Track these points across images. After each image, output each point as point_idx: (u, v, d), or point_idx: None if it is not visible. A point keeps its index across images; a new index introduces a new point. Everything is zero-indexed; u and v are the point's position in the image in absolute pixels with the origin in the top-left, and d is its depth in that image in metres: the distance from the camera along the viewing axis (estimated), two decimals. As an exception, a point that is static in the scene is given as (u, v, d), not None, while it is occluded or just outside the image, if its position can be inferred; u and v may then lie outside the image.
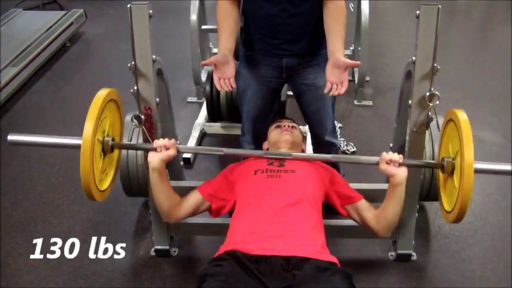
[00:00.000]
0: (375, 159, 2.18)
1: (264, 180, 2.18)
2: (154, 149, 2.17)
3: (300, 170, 2.23)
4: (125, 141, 2.69)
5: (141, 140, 2.62)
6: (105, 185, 2.18)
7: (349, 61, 2.30)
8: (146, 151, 2.26)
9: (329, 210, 2.35)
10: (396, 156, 2.11)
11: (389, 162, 2.10)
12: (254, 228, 1.99)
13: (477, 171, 1.95)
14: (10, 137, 2.14)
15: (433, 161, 2.30)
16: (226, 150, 2.31)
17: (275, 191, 2.12)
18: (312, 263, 1.83)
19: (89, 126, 1.95)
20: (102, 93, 2.07)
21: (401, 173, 2.11)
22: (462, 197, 1.92)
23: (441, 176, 2.21)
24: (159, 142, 2.16)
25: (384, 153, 2.13)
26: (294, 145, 2.49)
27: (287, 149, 2.46)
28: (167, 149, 2.16)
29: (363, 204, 2.29)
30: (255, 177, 2.21)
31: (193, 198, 2.32)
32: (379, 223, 2.23)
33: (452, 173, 2.07)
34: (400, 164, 2.12)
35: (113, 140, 2.16)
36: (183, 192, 2.74)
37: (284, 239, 1.93)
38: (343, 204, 2.31)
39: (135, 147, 2.36)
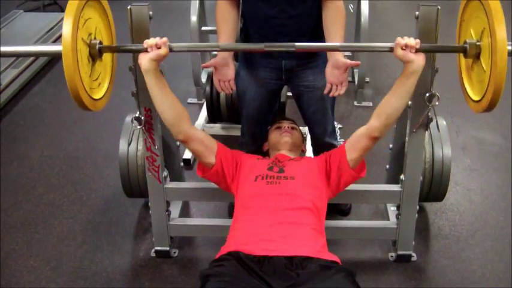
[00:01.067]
0: (387, 45, 2.00)
1: (264, 186, 2.17)
2: (145, 50, 2.02)
3: (299, 177, 2.21)
4: (124, 143, 2.70)
5: (141, 142, 2.63)
6: (99, 94, 2.04)
7: (348, 61, 2.31)
8: (136, 53, 2.10)
9: (328, 210, 2.35)
10: (412, 41, 1.96)
11: (404, 47, 1.95)
12: (255, 230, 1.99)
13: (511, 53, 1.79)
14: None
15: (454, 45, 2.10)
16: (222, 45, 2.23)
17: (274, 196, 2.11)
18: (315, 261, 1.83)
19: (68, 24, 1.77)
20: None
21: (420, 60, 1.97)
22: (495, 79, 1.75)
23: (464, 62, 2.07)
24: (149, 41, 2.01)
25: (399, 38, 1.97)
26: (293, 146, 2.49)
27: (287, 151, 2.46)
28: (159, 47, 2.01)
29: (350, 140, 2.24)
30: (255, 183, 2.20)
31: (210, 142, 2.25)
32: (378, 118, 2.12)
33: (478, 57, 1.91)
34: (417, 50, 1.96)
35: (101, 43, 2.00)
36: (184, 195, 2.75)
37: (286, 240, 1.93)
38: (351, 166, 2.22)
39: (124, 50, 2.11)
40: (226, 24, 2.44)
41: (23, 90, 4.63)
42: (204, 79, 4.15)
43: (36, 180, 3.43)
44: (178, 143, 2.84)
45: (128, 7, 2.15)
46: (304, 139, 2.79)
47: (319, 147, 2.78)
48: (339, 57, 2.30)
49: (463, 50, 1.95)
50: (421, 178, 2.53)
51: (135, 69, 2.24)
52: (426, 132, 2.39)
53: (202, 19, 4.08)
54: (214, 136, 3.75)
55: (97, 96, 2.02)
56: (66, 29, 1.76)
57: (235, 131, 3.56)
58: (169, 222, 2.66)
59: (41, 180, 3.43)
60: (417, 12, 2.13)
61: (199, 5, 3.95)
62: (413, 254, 2.71)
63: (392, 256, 2.73)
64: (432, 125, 2.34)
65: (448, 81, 4.43)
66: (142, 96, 2.30)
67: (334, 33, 2.34)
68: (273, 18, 2.37)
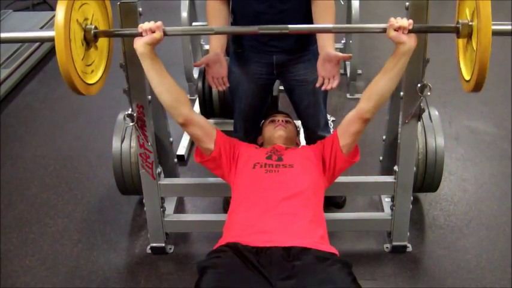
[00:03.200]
0: (380, 26, 1.99)
1: (262, 175, 2.17)
2: (140, 34, 2.00)
3: (297, 165, 2.21)
4: (117, 140, 2.69)
5: (134, 139, 2.62)
6: (93, 79, 2.03)
7: (340, 54, 2.30)
8: (131, 37, 2.07)
9: (324, 203, 2.35)
10: (405, 22, 1.95)
11: (397, 29, 1.95)
12: (253, 221, 1.99)
13: (496, 32, 1.79)
14: None
15: (446, 25, 2.05)
16: (216, 29, 2.22)
17: (273, 185, 2.11)
18: (312, 253, 1.83)
19: (61, 9, 1.77)
20: None
21: (411, 42, 1.97)
22: (480, 58, 1.76)
23: (460, 43, 2.07)
24: (144, 26, 1.99)
25: (392, 19, 1.96)
26: (287, 140, 2.49)
27: (281, 144, 2.46)
28: (153, 32, 1.98)
29: (341, 125, 2.25)
30: (253, 171, 2.20)
31: (209, 128, 2.24)
32: (370, 98, 2.13)
33: (470, 37, 1.90)
34: (410, 31, 1.96)
35: (96, 28, 1.98)
36: (178, 190, 2.75)
37: (283, 231, 1.93)
38: (345, 152, 2.24)
39: (118, 34, 2.11)
40: (217, 21, 2.44)
41: (15, 90, 4.61)
42: (196, 75, 4.14)
43: (30, 180, 3.42)
44: (171, 139, 2.83)
45: (118, 3, 2.14)
46: (298, 133, 2.79)
47: (313, 141, 2.76)
48: (330, 50, 2.30)
49: (456, 30, 1.95)
50: (415, 169, 2.54)
51: (126, 66, 2.24)
52: (419, 122, 2.39)
53: (192, 15, 4.07)
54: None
55: (90, 81, 2.01)
56: (60, 8, 1.77)
57: (228, 126, 3.55)
58: (164, 218, 2.66)
59: (35, 180, 3.42)
60: (407, 3, 2.13)
61: (189, 1, 3.94)
62: (409, 245, 2.73)
63: (387, 247, 2.73)
64: (425, 115, 2.34)
65: (440, 71, 4.46)
66: (134, 93, 2.30)
67: None
68: (263, 14, 2.37)
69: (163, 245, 2.72)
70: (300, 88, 2.61)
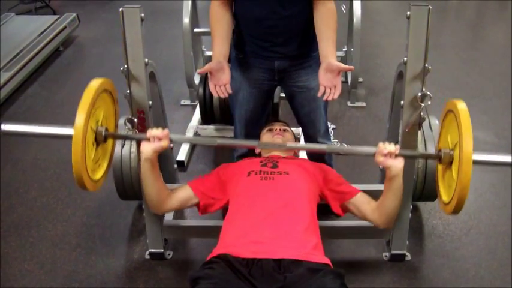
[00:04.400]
0: (371, 150, 2.11)
1: (258, 182, 2.18)
2: (148, 139, 2.14)
3: (293, 172, 2.23)
4: (117, 145, 2.69)
5: (134, 144, 2.63)
6: (98, 175, 2.14)
7: (342, 65, 2.30)
8: (139, 141, 2.22)
9: (323, 211, 2.35)
10: (393, 148, 2.06)
11: (385, 154, 2.06)
12: (246, 231, 1.98)
13: (476, 162, 1.91)
14: (3, 127, 2.11)
15: (430, 152, 2.25)
16: (220, 141, 2.29)
17: (268, 192, 2.12)
18: (303, 265, 1.82)
19: (81, 114, 1.92)
20: (95, 83, 2.04)
21: (398, 165, 2.07)
22: (460, 188, 1.88)
23: (440, 167, 2.17)
24: (152, 132, 2.12)
25: (381, 145, 2.07)
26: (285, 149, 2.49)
27: (278, 152, 2.47)
28: (160, 139, 2.13)
29: (360, 198, 2.29)
30: (248, 178, 2.22)
31: (184, 193, 2.33)
32: (380, 216, 2.22)
33: (450, 164, 2.03)
34: (397, 155, 2.07)
35: (106, 130, 2.11)
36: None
37: (276, 242, 1.92)
38: (341, 202, 2.30)
39: (128, 137, 2.32)
40: (220, 27, 2.44)
41: (16, 93, 4.62)
42: (197, 81, 4.15)
43: (29, 183, 3.42)
44: (171, 144, 2.83)
45: (120, 9, 2.15)
46: (297, 140, 2.79)
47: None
48: (332, 61, 2.29)
49: (439, 158, 2.09)
50: (414, 177, 2.54)
51: (128, 72, 2.24)
52: (419, 131, 2.39)
53: (194, 21, 4.08)
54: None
55: (96, 177, 2.12)
56: (80, 119, 1.91)
57: (229, 132, 3.56)
58: (163, 224, 2.66)
59: (35, 183, 3.42)
60: (409, 12, 2.14)
61: (191, 6, 3.95)
62: (408, 254, 2.72)
63: (386, 256, 2.73)
64: (425, 124, 2.34)
65: (441, 81, 4.47)
66: (135, 98, 2.30)
67: (327, 37, 2.33)
68: (265, 19, 2.38)
69: (162, 250, 2.72)
70: (300, 94, 2.62)
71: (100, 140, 2.09)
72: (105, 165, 2.22)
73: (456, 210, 1.96)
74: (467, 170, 1.86)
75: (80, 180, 1.96)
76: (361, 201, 2.28)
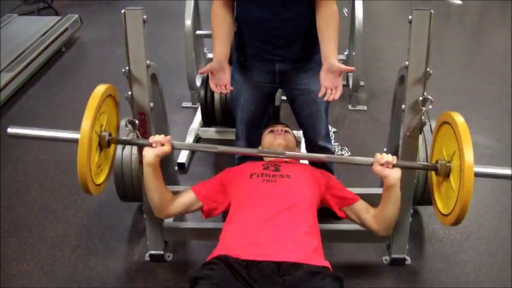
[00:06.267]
0: (369, 160, 2.15)
1: (259, 184, 2.19)
2: (150, 145, 2.17)
3: (295, 175, 2.24)
4: (118, 147, 2.70)
5: (135, 147, 2.62)
6: (100, 179, 2.17)
7: (343, 66, 2.30)
8: (141, 147, 2.25)
9: (324, 214, 2.35)
10: (390, 158, 2.09)
11: (383, 163, 2.09)
12: (246, 233, 1.98)
13: (477, 174, 1.93)
14: (10, 130, 2.14)
15: (426, 163, 2.28)
16: (220, 148, 2.30)
17: (269, 195, 2.12)
18: (303, 268, 1.81)
19: (88, 119, 1.96)
20: (100, 88, 2.07)
21: (395, 174, 2.09)
22: (462, 200, 1.89)
23: (435, 178, 2.19)
24: (155, 138, 2.17)
25: (378, 155, 2.10)
26: (287, 148, 2.49)
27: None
28: (162, 145, 2.16)
29: (360, 205, 2.30)
30: (250, 180, 2.22)
31: (187, 198, 2.33)
32: (378, 223, 2.24)
33: (448, 175, 2.05)
34: (394, 165, 2.10)
35: (110, 135, 2.14)
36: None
37: (276, 244, 1.92)
38: (340, 207, 2.31)
39: (131, 143, 2.35)
40: (221, 29, 2.45)
41: (18, 94, 4.63)
42: (198, 83, 4.16)
43: (30, 184, 3.43)
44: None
45: (122, 11, 2.15)
46: (298, 143, 2.79)
47: (313, 151, 2.78)
48: (334, 62, 2.30)
49: (435, 169, 2.10)
50: (415, 181, 2.54)
51: (130, 73, 2.24)
52: (420, 135, 2.39)
53: (196, 23, 4.08)
54: (209, 140, 3.80)
55: (98, 181, 2.15)
56: (86, 123, 1.95)
57: (230, 134, 3.57)
58: (163, 226, 2.66)
59: (35, 184, 3.42)
60: (410, 16, 2.14)
61: (193, 9, 3.95)
62: (408, 258, 2.72)
63: (386, 260, 2.73)
64: (426, 128, 2.34)
65: (442, 85, 4.47)
66: (137, 100, 2.30)
67: (328, 38, 2.33)
68: (267, 21, 2.38)
69: (162, 252, 2.72)
70: (302, 97, 2.62)
71: (103, 145, 2.12)
72: (106, 169, 2.24)
73: (457, 221, 1.97)
74: (470, 183, 1.87)
75: (84, 184, 2.00)
76: (360, 209, 2.29)
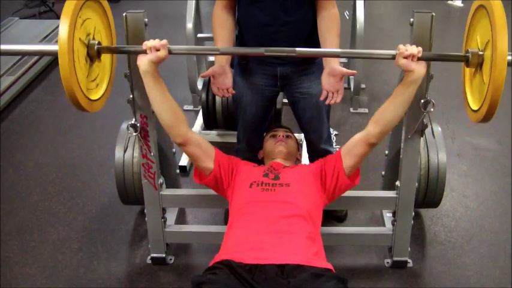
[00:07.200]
0: (390, 53, 2.00)
1: (259, 193, 2.17)
2: (144, 52, 2.03)
3: (294, 184, 2.21)
4: (120, 150, 2.70)
5: (137, 149, 2.63)
6: (97, 95, 2.04)
7: (345, 70, 2.31)
8: (135, 54, 2.09)
9: (325, 217, 2.35)
10: (415, 50, 1.96)
11: (407, 56, 1.95)
12: (248, 238, 1.99)
13: (511, 64, 1.75)
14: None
15: (456, 53, 2.03)
16: (222, 49, 2.23)
17: (269, 204, 2.11)
18: (307, 270, 1.82)
19: (64, 24, 1.75)
20: None
21: (421, 69, 1.98)
22: (492, 91, 1.72)
23: (467, 71, 2.05)
24: (148, 43, 2.01)
25: (401, 47, 1.97)
26: (288, 155, 2.50)
27: (281, 159, 2.46)
28: (158, 50, 2.02)
29: (346, 146, 2.25)
30: (250, 190, 2.20)
31: (208, 148, 2.26)
32: (377, 124, 2.16)
33: (480, 67, 1.87)
34: (419, 58, 1.96)
35: (99, 43, 1.99)
36: (180, 201, 2.75)
37: (278, 248, 1.92)
38: (345, 175, 2.23)
39: (123, 51, 2.12)
40: (222, 32, 2.45)
41: (19, 97, 4.62)
42: (200, 86, 4.16)
43: (32, 187, 3.43)
44: (174, 149, 2.84)
45: (124, 14, 2.15)
46: (299, 146, 2.79)
47: (315, 154, 2.78)
48: (335, 65, 2.30)
49: (465, 59, 1.94)
50: (417, 184, 2.54)
51: (131, 76, 2.25)
52: (421, 138, 2.39)
53: (198, 26, 4.08)
54: (211, 143, 3.78)
55: (94, 97, 2.02)
56: (63, 29, 1.76)
57: (231, 137, 3.56)
58: (165, 229, 2.66)
59: (37, 187, 3.42)
60: (412, 19, 2.14)
61: (195, 12, 3.95)
62: (409, 260, 2.72)
63: (388, 262, 2.73)
64: (427, 131, 2.35)
65: (444, 87, 4.47)
66: (138, 103, 2.30)
67: (330, 42, 2.34)
68: (268, 25, 2.38)
69: (164, 255, 2.72)
70: (303, 101, 2.62)
71: (93, 54, 1.97)
72: (104, 85, 2.11)
73: (487, 116, 1.82)
74: (501, 72, 1.70)
75: (73, 97, 1.84)
76: (347, 150, 2.24)
